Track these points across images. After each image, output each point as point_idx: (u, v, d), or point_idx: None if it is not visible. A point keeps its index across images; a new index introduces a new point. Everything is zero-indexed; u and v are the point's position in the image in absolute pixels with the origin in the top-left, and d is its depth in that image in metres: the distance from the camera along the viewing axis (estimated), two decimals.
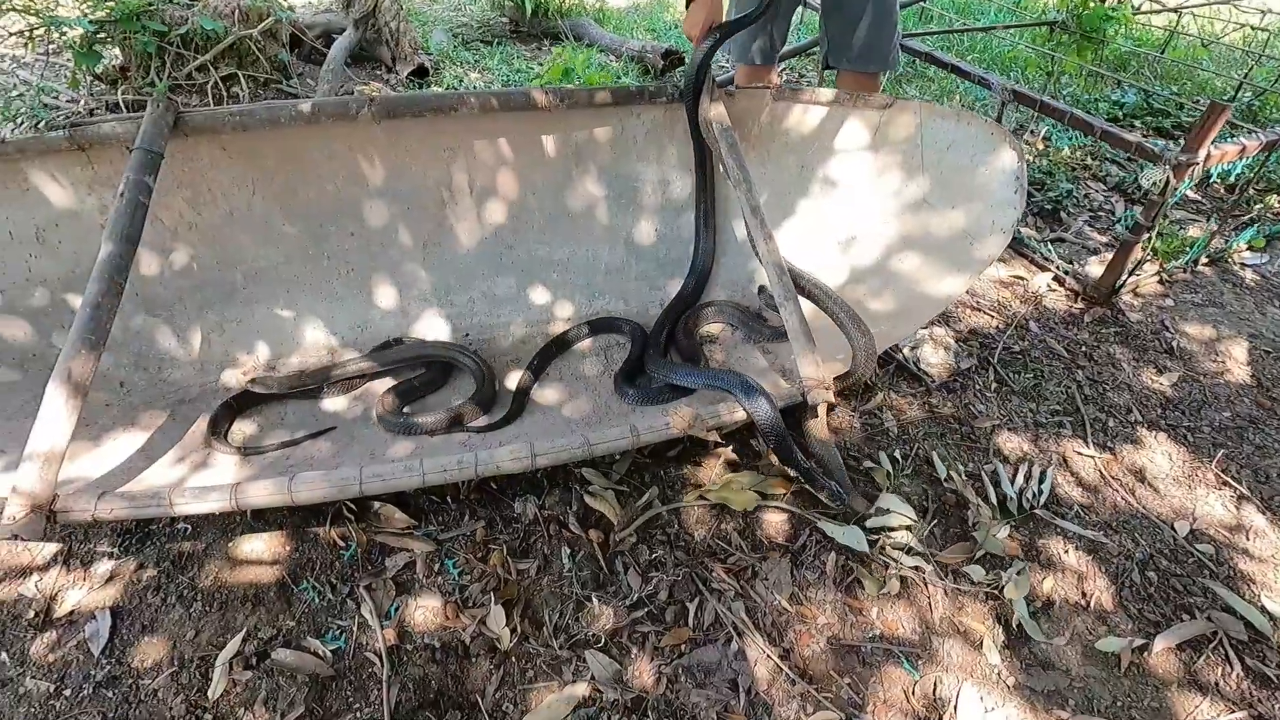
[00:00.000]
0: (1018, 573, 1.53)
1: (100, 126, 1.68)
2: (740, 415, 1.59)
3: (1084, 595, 1.54)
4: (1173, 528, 1.70)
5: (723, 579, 1.54)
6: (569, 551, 1.58)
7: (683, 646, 1.43)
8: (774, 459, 1.68)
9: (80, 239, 1.77)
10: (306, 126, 1.83)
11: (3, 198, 1.67)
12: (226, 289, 1.95)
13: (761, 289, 2.18)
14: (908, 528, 1.56)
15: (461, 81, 3.67)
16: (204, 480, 1.55)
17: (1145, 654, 1.44)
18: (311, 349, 2.01)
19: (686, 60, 4.24)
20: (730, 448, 1.82)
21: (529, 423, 1.83)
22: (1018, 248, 2.67)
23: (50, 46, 3.27)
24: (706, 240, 2.17)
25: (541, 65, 4.17)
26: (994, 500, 1.70)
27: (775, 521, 1.66)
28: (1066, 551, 1.62)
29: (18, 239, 1.71)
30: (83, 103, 3.07)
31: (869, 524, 1.57)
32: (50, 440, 1.30)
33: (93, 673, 1.36)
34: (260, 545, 1.58)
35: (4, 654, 1.39)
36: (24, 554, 1.55)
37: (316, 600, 1.49)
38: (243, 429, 1.77)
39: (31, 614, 1.44)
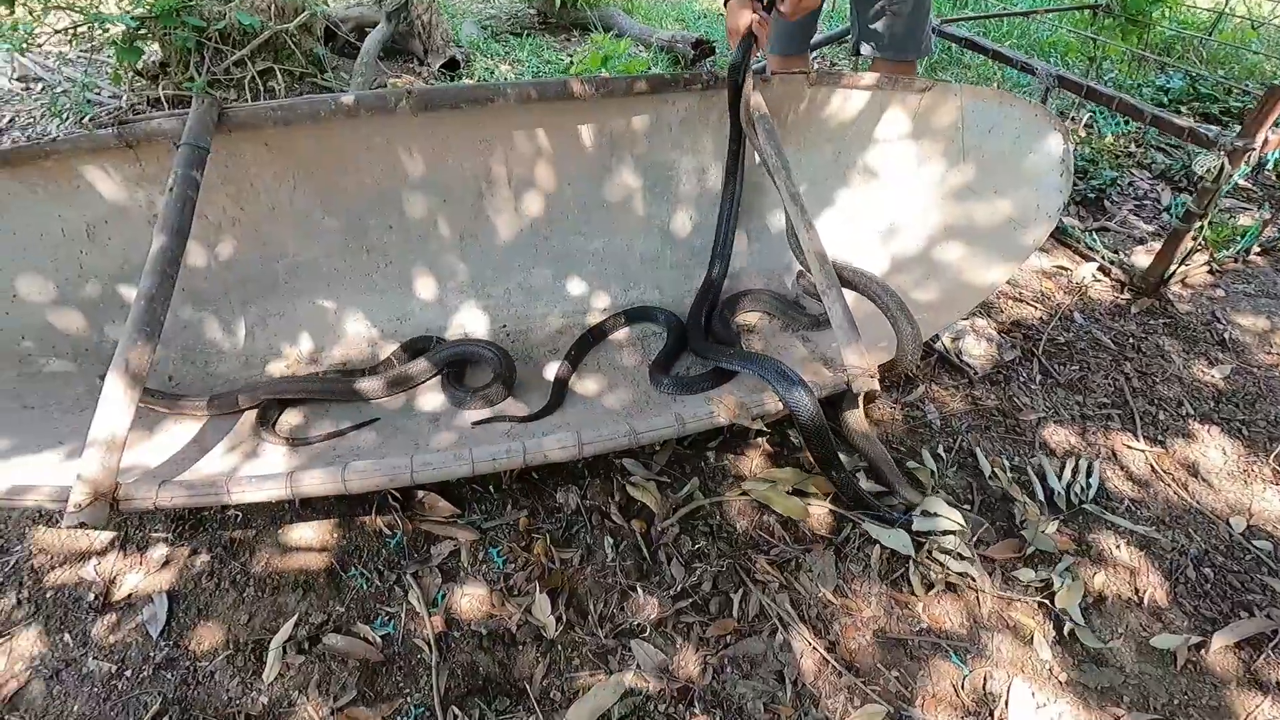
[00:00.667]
0: (1071, 575, 1.50)
1: (147, 124, 1.71)
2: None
3: (1137, 592, 1.51)
4: (1228, 523, 1.66)
5: (766, 570, 1.53)
6: (612, 541, 1.59)
7: (728, 638, 1.43)
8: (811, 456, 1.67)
9: (129, 235, 1.80)
10: (346, 120, 1.84)
11: (55, 195, 1.71)
12: (269, 283, 1.97)
13: (800, 275, 2.15)
14: (955, 532, 1.54)
15: (492, 74, 3.68)
16: (255, 469, 1.58)
17: (1202, 651, 1.41)
18: (353, 341, 2.03)
19: (717, 50, 4.21)
20: (767, 439, 1.81)
21: (570, 413, 1.83)
22: (1061, 237, 2.61)
23: (92, 44, 3.33)
24: (728, 230, 2.14)
25: (571, 56, 4.17)
26: (1041, 496, 1.67)
27: (817, 514, 1.64)
28: (1118, 547, 1.59)
29: (69, 236, 1.75)
30: (125, 98, 3.13)
31: (915, 527, 1.54)
32: (111, 429, 1.33)
33: (152, 654, 1.40)
34: (309, 533, 1.60)
35: (67, 635, 1.43)
36: (83, 538, 1.60)
37: (365, 587, 1.51)
38: (289, 420, 1.80)
39: (91, 597, 1.49)
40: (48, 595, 1.49)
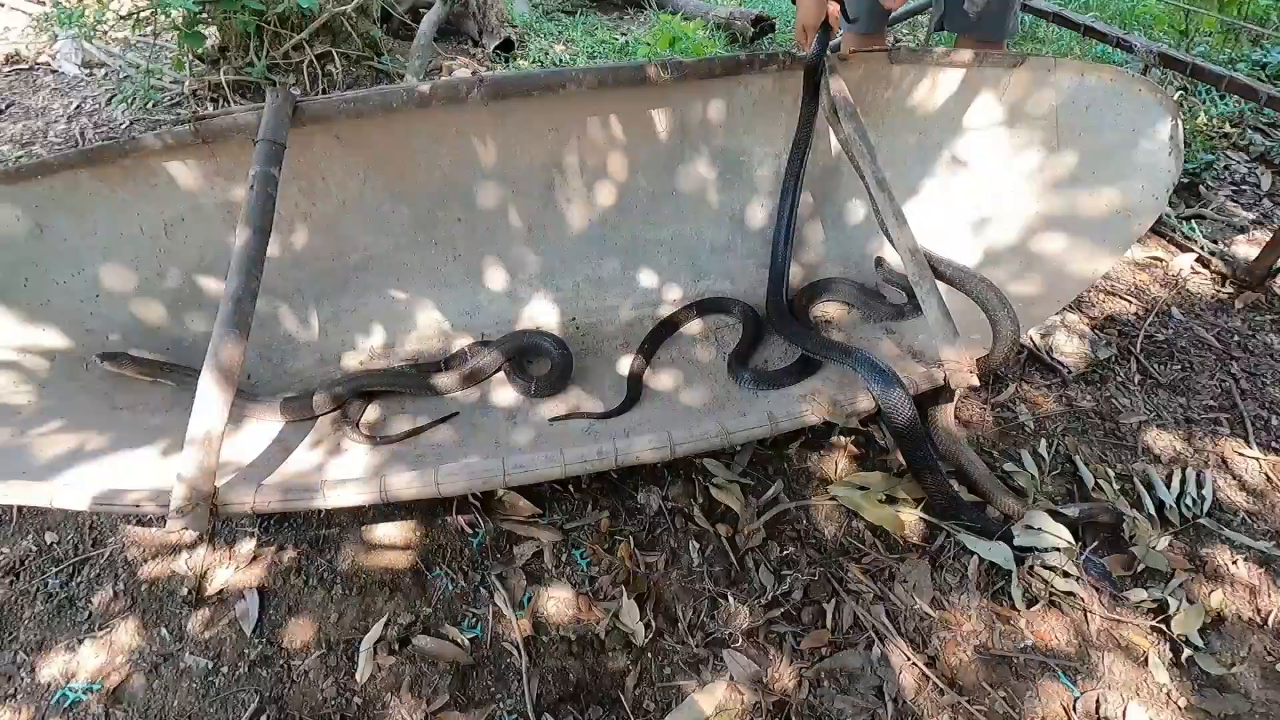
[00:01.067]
0: (1187, 596, 1.41)
1: (223, 119, 1.70)
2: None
3: (1258, 612, 1.43)
4: None
5: (859, 580, 1.49)
6: (697, 546, 1.55)
7: (823, 649, 1.39)
8: (903, 459, 1.60)
9: (204, 231, 1.80)
10: (418, 110, 1.81)
11: (135, 194, 1.71)
12: (340, 278, 1.96)
13: (879, 262, 2.07)
14: (1061, 549, 1.46)
15: (546, 54, 3.61)
16: (340, 468, 1.58)
17: None
18: (425, 334, 2.01)
19: (776, 28, 4.06)
20: (851, 438, 1.75)
21: (648, 410, 1.79)
22: (1155, 226, 2.46)
23: (153, 29, 3.35)
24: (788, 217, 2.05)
25: (626, 34, 4.06)
26: (1150, 508, 1.58)
27: (909, 520, 1.58)
28: (1235, 564, 1.50)
29: (148, 233, 1.75)
30: (187, 84, 3.15)
31: (1017, 542, 1.47)
32: (207, 429, 1.33)
33: (246, 651, 1.41)
34: (393, 531, 1.60)
35: (164, 629, 1.45)
36: (173, 533, 1.61)
37: (450, 587, 1.51)
38: (367, 414, 1.79)
39: (185, 591, 1.50)
40: (143, 589, 1.52)
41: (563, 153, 2.01)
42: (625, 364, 1.95)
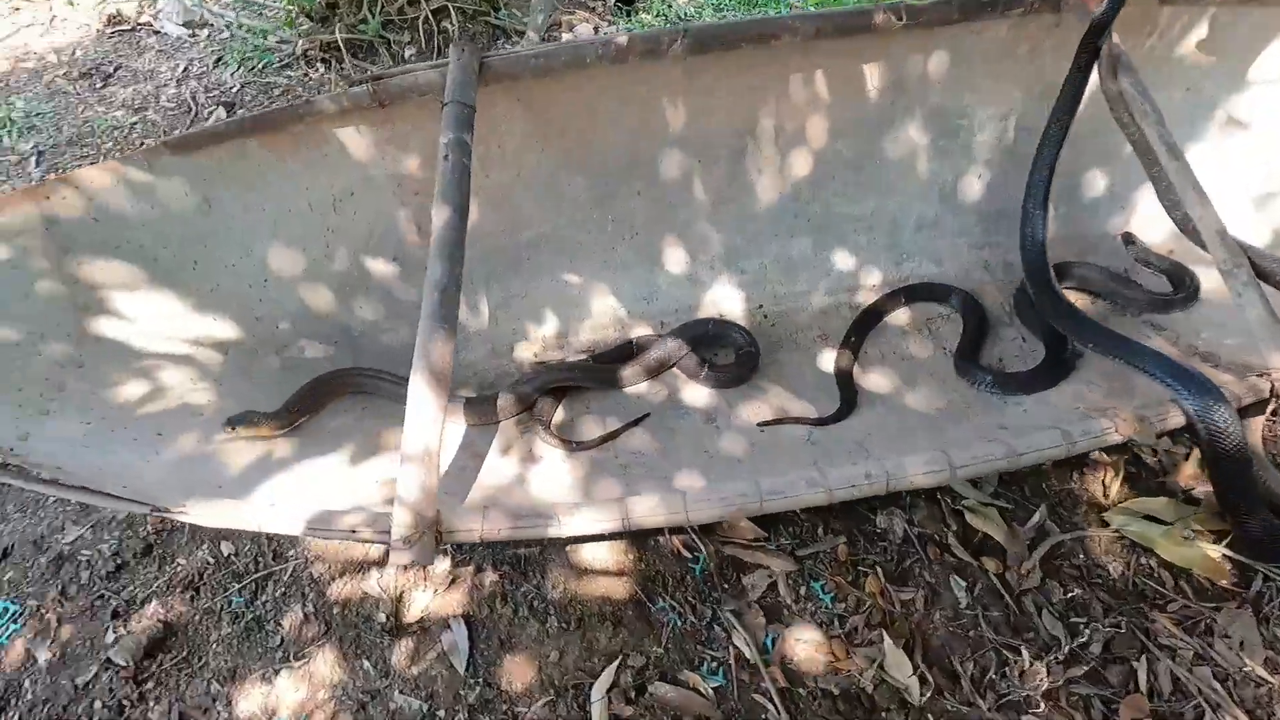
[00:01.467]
0: None
1: (401, 79, 1.48)
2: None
3: None
4: None
5: (1171, 633, 1.24)
6: (962, 583, 1.33)
7: (1142, 718, 1.16)
8: (1213, 487, 1.34)
9: (373, 204, 1.61)
10: (609, 67, 1.57)
11: (305, 164, 1.53)
12: (512, 258, 1.76)
13: (1129, 239, 1.76)
14: None
15: (670, 7, 3.30)
16: (543, 480, 1.40)
17: None
18: (599, 322, 1.81)
19: None
20: (1125, 456, 1.49)
21: (869, 416, 1.56)
22: None
23: None
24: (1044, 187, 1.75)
25: None
26: None
27: (1215, 559, 1.32)
28: None
29: (316, 208, 1.57)
30: (296, 44, 2.95)
31: None
32: (424, 443, 1.14)
33: (463, 693, 1.25)
34: (602, 552, 1.42)
35: (366, 662, 1.30)
36: (357, 546, 1.46)
37: (679, 623, 1.32)
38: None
39: (383, 618, 1.35)
40: (335, 611, 1.37)
41: (759, 115, 1.75)
42: (826, 359, 1.72)
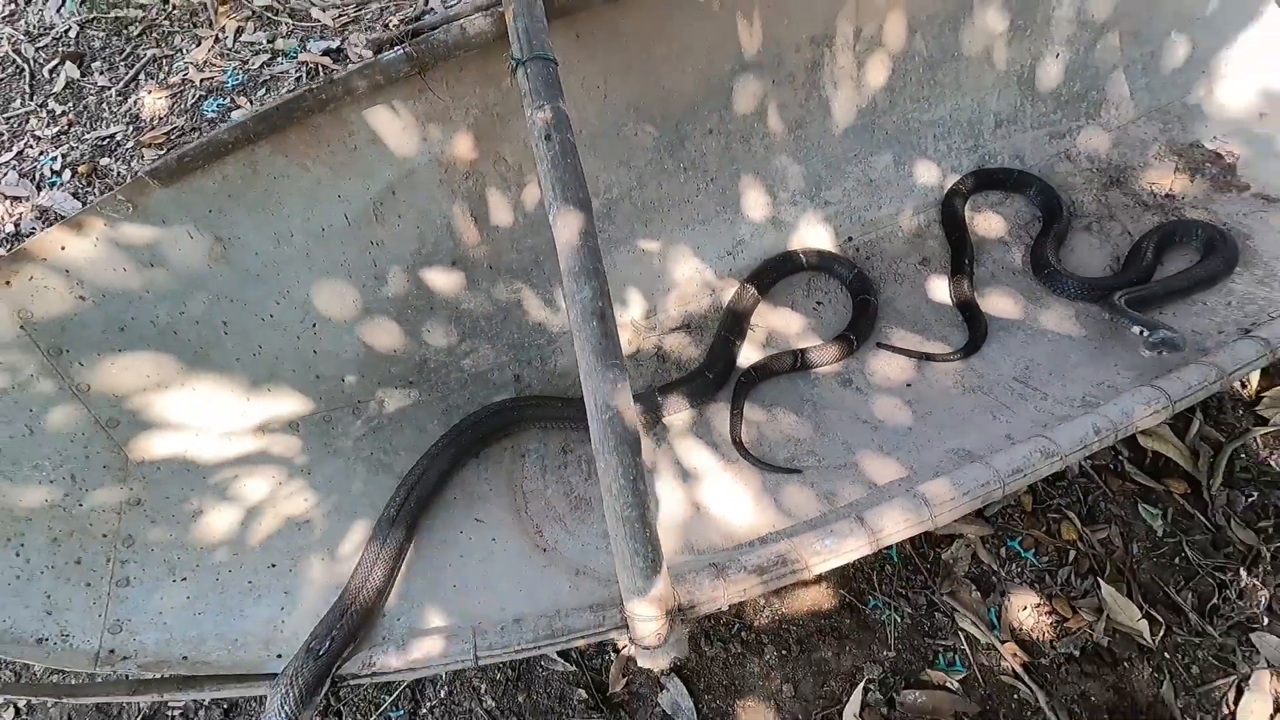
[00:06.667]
0: None
1: (444, 32, 1.10)
2: None
3: None
4: None
5: None
6: (1154, 511, 1.31)
7: None
8: None
9: (418, 203, 1.27)
10: None
11: (333, 167, 1.15)
12: None
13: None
14: None
15: None
16: (715, 499, 1.23)
17: None
18: (687, 291, 1.58)
19: None
20: None
21: (1011, 346, 1.46)
22: None
23: None
24: None
25: None
26: None
27: None
28: None
29: (354, 221, 1.20)
30: None
31: None
32: (635, 516, 0.93)
33: None
34: None
35: None
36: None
37: (899, 620, 1.24)
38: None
39: (582, 693, 1.18)
40: (519, 701, 1.19)
41: (836, 19, 1.49)
42: (938, 288, 1.59)
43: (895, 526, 1.03)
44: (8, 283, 0.89)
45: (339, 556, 1.03)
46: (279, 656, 0.86)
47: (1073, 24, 1.66)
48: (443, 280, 1.33)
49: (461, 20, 1.10)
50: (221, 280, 1.08)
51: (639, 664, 0.93)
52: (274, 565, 0.98)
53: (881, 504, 1.06)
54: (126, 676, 0.81)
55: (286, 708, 0.79)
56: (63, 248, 0.92)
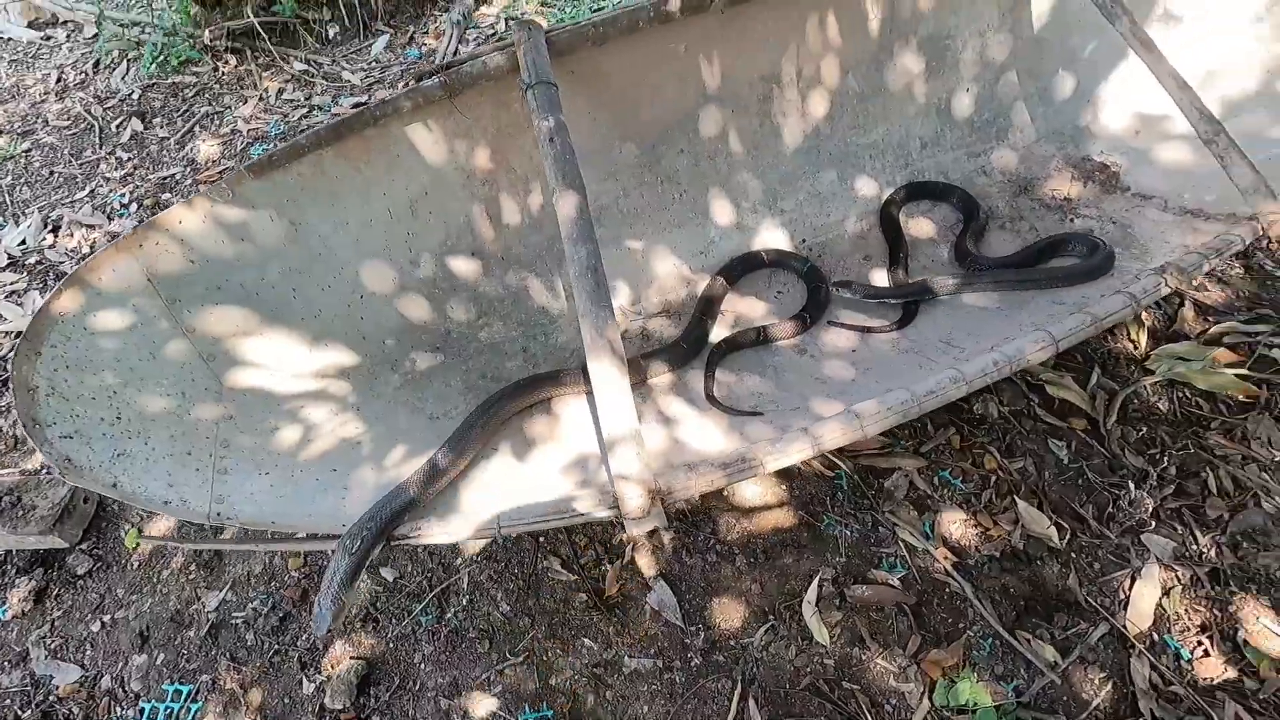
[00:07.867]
0: None
1: (471, 65, 1.43)
2: None
3: None
4: None
5: (1224, 445, 1.55)
6: (1060, 444, 1.57)
7: (1224, 515, 1.46)
8: None
9: (443, 203, 1.57)
10: (656, 29, 1.60)
11: (380, 170, 1.46)
12: None
13: (844, 285, 1.77)
14: None
15: None
16: (692, 434, 1.47)
17: None
18: (666, 284, 1.86)
19: None
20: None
21: (938, 318, 1.74)
22: None
23: None
24: None
25: None
26: None
27: (1235, 380, 1.64)
28: None
29: (395, 215, 1.50)
30: (208, 34, 2.63)
31: None
32: (627, 419, 1.19)
33: (689, 641, 1.35)
34: (757, 491, 1.53)
35: (585, 639, 1.36)
36: (526, 539, 1.48)
37: (848, 533, 1.47)
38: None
39: (582, 596, 1.40)
40: (530, 604, 1.41)
41: (781, 61, 1.84)
42: (879, 279, 1.89)
43: (833, 435, 1.29)
44: (140, 245, 1.17)
45: (384, 467, 1.28)
46: (342, 526, 1.09)
47: (977, 64, 2.03)
48: (464, 267, 1.61)
49: (484, 57, 1.43)
50: (292, 256, 1.37)
51: (627, 533, 1.16)
52: (335, 470, 1.23)
53: (823, 420, 1.31)
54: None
55: (352, 553, 1.02)
56: (180, 221, 1.21)
